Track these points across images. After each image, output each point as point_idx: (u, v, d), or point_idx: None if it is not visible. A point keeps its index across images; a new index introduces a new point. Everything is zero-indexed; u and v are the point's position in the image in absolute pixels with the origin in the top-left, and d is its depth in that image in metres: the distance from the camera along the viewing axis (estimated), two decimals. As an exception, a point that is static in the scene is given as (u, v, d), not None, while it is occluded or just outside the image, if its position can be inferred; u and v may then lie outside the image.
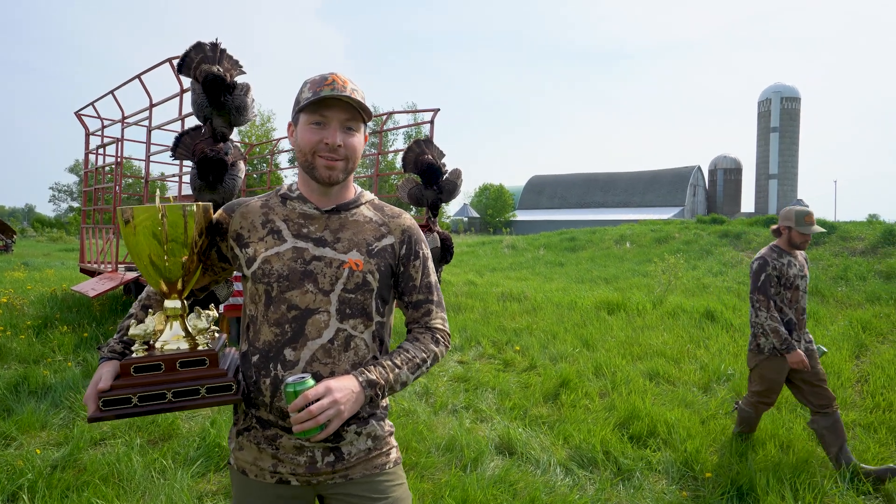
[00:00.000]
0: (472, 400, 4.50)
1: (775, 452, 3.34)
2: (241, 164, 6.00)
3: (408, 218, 1.41)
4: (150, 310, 1.33)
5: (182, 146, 5.74)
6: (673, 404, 4.31)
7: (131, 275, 7.51)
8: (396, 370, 1.27)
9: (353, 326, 1.28)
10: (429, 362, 1.33)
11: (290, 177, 43.96)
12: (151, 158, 7.59)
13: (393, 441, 1.39)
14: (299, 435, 1.15)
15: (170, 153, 5.90)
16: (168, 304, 1.25)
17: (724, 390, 4.67)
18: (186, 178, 6.92)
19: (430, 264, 1.43)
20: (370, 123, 1.35)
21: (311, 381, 1.15)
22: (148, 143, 7.54)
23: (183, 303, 1.26)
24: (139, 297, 1.42)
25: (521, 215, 65.33)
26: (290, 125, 1.35)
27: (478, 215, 59.87)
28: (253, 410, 1.29)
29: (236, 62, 6.13)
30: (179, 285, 1.25)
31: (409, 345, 1.34)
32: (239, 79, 5.94)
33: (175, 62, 6.60)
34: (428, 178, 5.89)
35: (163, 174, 8.84)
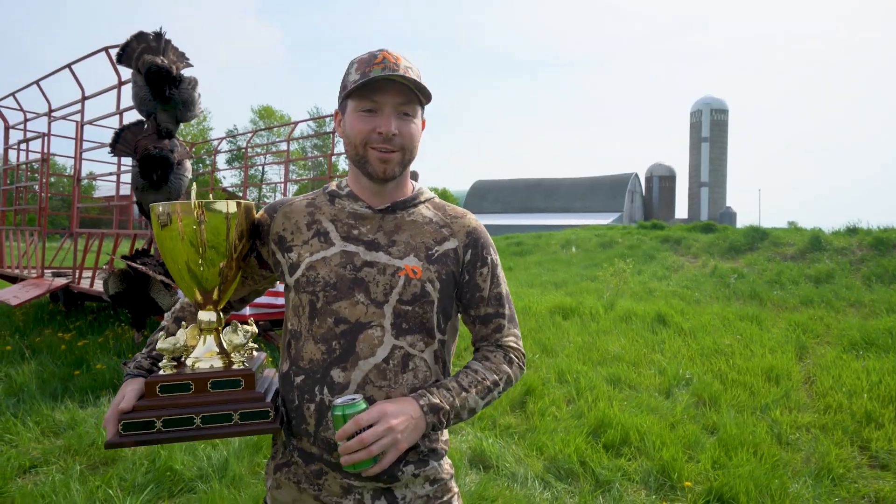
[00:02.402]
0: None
1: (747, 458, 3.38)
2: (188, 163, 5.65)
3: (473, 219, 1.23)
4: (183, 322, 1.15)
5: (122, 142, 5.34)
6: (639, 410, 4.32)
7: (60, 281, 6.93)
8: (464, 394, 1.09)
9: (411, 344, 1.10)
10: (501, 386, 1.15)
11: (228, 178, 42.43)
12: (83, 156, 7.03)
13: (454, 486, 1.21)
14: (348, 468, 0.98)
15: (108, 150, 5.48)
16: (202, 315, 1.10)
17: (685, 395, 4.73)
18: (125, 178, 6.44)
19: (500, 272, 1.24)
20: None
21: (363, 404, 0.99)
22: (79, 138, 6.98)
23: (219, 315, 1.11)
24: (173, 309, 1.24)
25: (466, 219, 65.69)
26: (336, 113, 1.17)
27: (422, 219, 59.79)
28: (294, 441, 1.12)
29: (182, 54, 5.78)
30: (216, 295, 1.09)
31: (477, 364, 1.16)
32: (185, 72, 5.60)
33: (112, 51, 6.15)
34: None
35: (91, 173, 8.22)
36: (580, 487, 3.15)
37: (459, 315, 1.25)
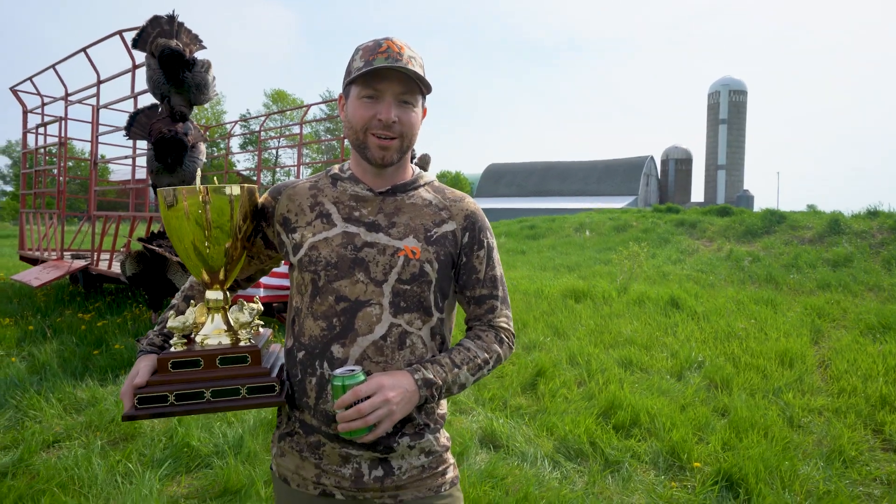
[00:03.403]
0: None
1: (758, 440, 3.38)
2: (202, 146, 5.68)
3: (471, 202, 1.26)
4: (192, 301, 1.20)
5: (137, 126, 5.39)
6: (650, 392, 4.33)
7: (79, 263, 7.06)
8: (455, 370, 1.14)
9: (408, 322, 1.14)
10: (491, 363, 1.20)
11: (241, 162, 42.67)
12: (99, 139, 7.11)
13: (450, 458, 1.25)
14: (345, 435, 1.04)
15: (123, 133, 5.54)
16: (209, 294, 1.15)
17: (697, 377, 4.73)
18: (140, 161, 6.51)
19: (496, 255, 1.28)
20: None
21: (361, 376, 1.04)
22: (95, 122, 7.06)
23: (225, 294, 1.16)
24: (182, 288, 1.30)
25: (480, 203, 65.51)
26: (340, 97, 1.20)
27: (436, 202, 59.77)
28: (297, 413, 1.17)
29: (196, 37, 5.78)
30: (222, 275, 1.14)
31: (470, 343, 1.21)
32: (199, 54, 5.62)
33: (126, 35, 6.18)
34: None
35: (103, 157, 8.32)
36: (589, 467, 3.18)
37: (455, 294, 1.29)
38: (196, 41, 5.60)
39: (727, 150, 58.77)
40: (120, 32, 6.13)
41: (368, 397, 1.03)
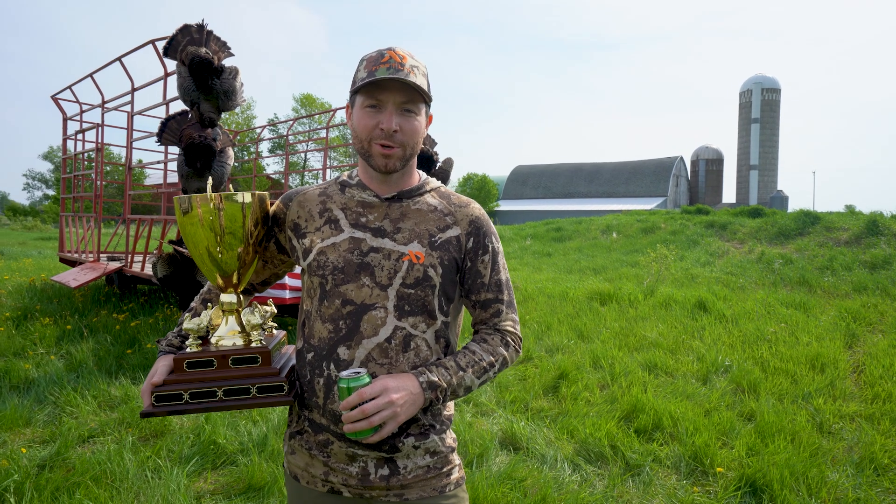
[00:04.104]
0: (471, 393, 4.41)
1: (784, 446, 3.31)
2: (230, 151, 5.82)
3: (477, 207, 1.29)
4: (209, 304, 1.26)
5: (168, 131, 5.55)
6: (674, 396, 4.27)
7: (114, 265, 7.28)
8: (461, 373, 1.16)
9: (412, 325, 1.17)
10: (496, 367, 1.21)
11: (271, 165, 43.34)
12: (133, 144, 7.34)
13: (455, 458, 1.27)
14: (350, 435, 1.07)
15: (155, 139, 5.71)
16: (224, 297, 1.20)
17: (723, 382, 4.65)
18: (171, 166, 6.69)
19: (501, 259, 1.30)
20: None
21: (366, 378, 1.07)
22: (129, 128, 7.28)
23: (239, 297, 1.21)
24: (200, 292, 1.36)
25: (506, 205, 65.38)
26: (347, 106, 1.24)
27: (462, 205, 59.57)
28: (306, 412, 1.21)
29: (224, 44, 5.93)
30: (235, 278, 1.19)
31: (475, 346, 1.22)
32: (227, 62, 5.76)
33: (158, 44, 6.37)
34: (420, 166, 5.79)
35: (140, 161, 8.58)
36: (609, 470, 3.16)
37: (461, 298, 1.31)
38: (224, 49, 5.75)
39: (760, 150, 57.36)
40: (153, 42, 6.32)
41: (374, 399, 1.05)
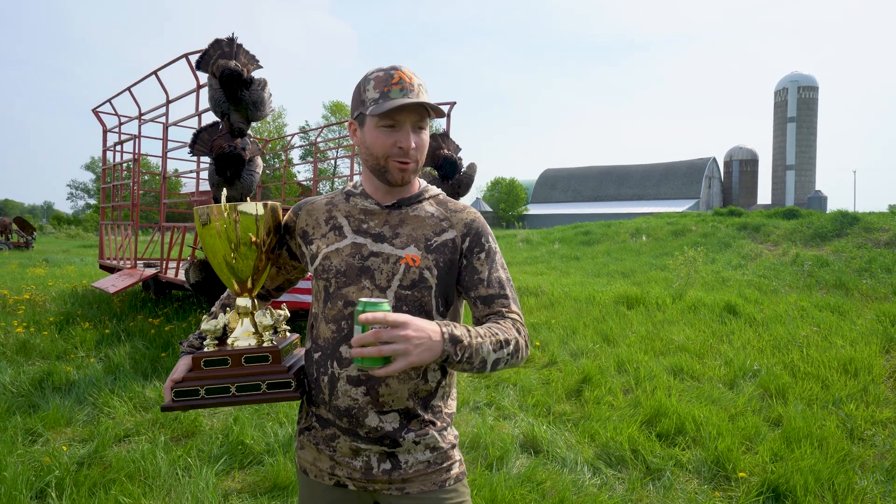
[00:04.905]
0: (493, 397, 4.45)
1: (811, 452, 3.25)
2: (259, 160, 5.99)
3: (472, 212, 1.34)
4: (227, 308, 1.36)
5: (200, 142, 5.75)
6: (699, 401, 4.23)
7: (150, 271, 7.55)
8: (479, 339, 1.12)
9: None
10: (512, 346, 1.16)
11: (302, 172, 44.16)
12: (168, 155, 7.61)
13: (456, 454, 1.32)
14: (356, 362, 1.02)
15: (188, 149, 5.92)
16: (239, 301, 1.30)
17: (750, 386, 4.57)
18: (204, 175, 6.92)
19: (500, 259, 1.31)
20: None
21: (387, 305, 1.05)
22: (165, 139, 7.55)
23: (253, 300, 1.30)
24: (220, 297, 1.46)
25: (534, 209, 65.03)
26: (351, 124, 1.30)
27: (490, 209, 59.67)
28: (314, 409, 1.29)
29: (253, 57, 6.12)
30: (249, 283, 1.29)
31: (489, 323, 1.21)
32: (255, 73, 5.94)
33: (191, 58, 6.61)
34: (445, 172, 5.85)
35: (176, 170, 8.89)
36: (630, 474, 3.15)
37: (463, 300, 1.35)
38: (253, 61, 5.93)
39: (796, 150, 55.78)
40: (186, 55, 6.56)
41: (393, 329, 1.01)
